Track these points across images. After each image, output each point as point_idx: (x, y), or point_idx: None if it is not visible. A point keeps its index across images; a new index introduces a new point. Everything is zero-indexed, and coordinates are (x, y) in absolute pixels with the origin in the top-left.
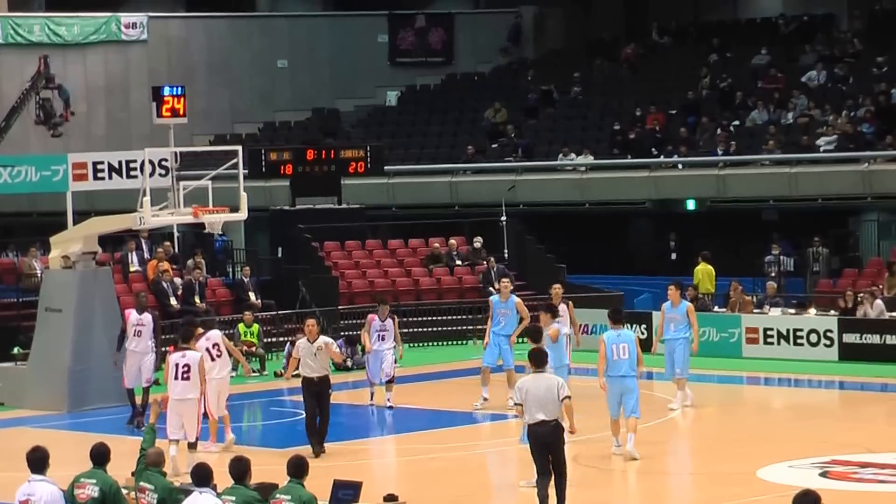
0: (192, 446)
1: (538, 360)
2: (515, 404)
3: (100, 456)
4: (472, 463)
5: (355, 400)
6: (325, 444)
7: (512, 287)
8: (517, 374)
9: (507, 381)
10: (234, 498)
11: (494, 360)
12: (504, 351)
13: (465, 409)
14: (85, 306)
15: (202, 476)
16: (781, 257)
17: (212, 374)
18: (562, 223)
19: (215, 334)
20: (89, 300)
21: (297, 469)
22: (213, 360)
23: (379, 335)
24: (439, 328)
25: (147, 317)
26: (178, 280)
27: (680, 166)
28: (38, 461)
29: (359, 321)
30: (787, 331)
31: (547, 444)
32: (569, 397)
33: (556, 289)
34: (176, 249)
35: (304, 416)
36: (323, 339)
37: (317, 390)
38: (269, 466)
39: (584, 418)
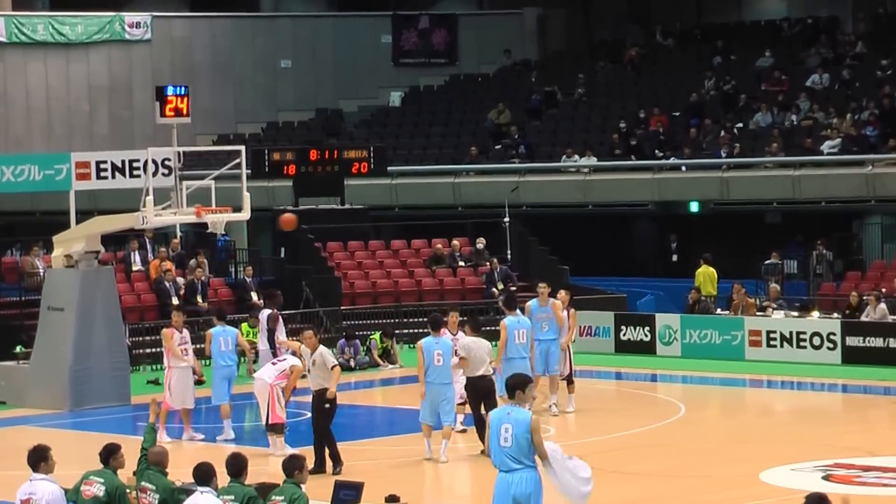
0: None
1: (476, 327)
2: (461, 358)
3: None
4: (474, 463)
5: (356, 400)
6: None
7: (549, 290)
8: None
9: (549, 385)
10: (232, 496)
11: (542, 368)
12: (551, 355)
13: (467, 410)
14: (87, 305)
15: (203, 475)
16: (784, 260)
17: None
18: (565, 225)
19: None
20: (91, 299)
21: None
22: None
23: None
24: None
25: None
26: (180, 280)
27: (683, 168)
28: (39, 460)
29: (361, 322)
30: (790, 333)
31: (487, 394)
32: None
33: (562, 294)
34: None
35: None
36: (321, 350)
37: (315, 404)
38: (267, 467)
39: (587, 419)
